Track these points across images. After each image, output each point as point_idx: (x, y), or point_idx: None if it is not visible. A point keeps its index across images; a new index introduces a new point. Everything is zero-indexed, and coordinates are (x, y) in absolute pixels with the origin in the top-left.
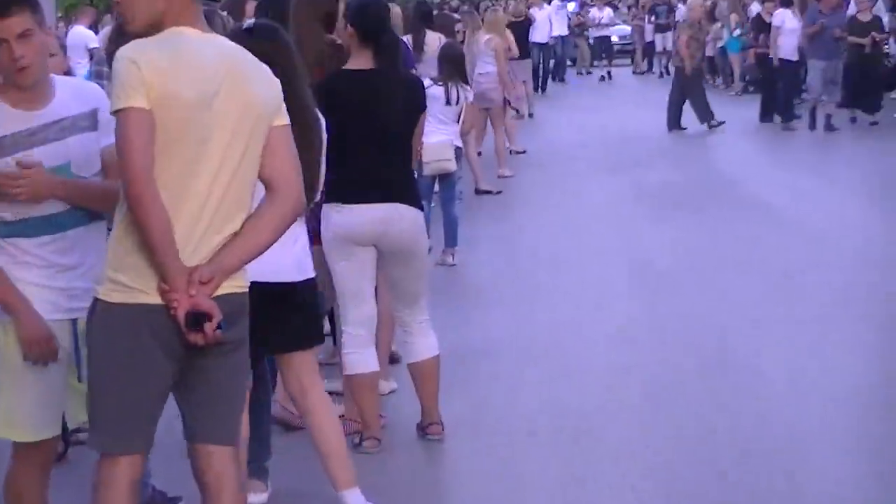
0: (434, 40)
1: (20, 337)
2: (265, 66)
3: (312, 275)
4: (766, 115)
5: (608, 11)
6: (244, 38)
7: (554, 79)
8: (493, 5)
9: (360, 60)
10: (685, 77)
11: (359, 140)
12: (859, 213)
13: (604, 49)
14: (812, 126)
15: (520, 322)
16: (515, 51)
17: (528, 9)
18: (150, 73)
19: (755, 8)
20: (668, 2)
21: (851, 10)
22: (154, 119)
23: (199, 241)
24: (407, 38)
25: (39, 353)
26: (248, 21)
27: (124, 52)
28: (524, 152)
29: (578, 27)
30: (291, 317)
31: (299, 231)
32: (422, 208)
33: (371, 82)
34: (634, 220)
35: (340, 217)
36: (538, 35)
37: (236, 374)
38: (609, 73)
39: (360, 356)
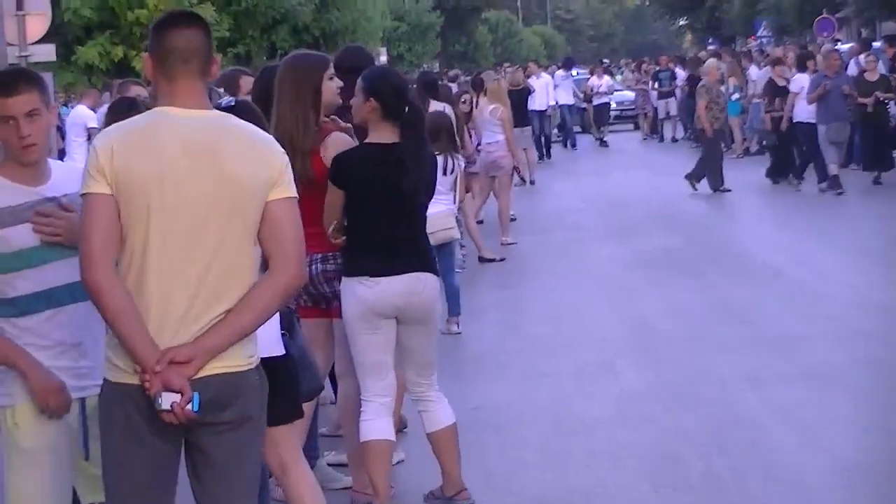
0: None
1: (32, 390)
2: (262, 142)
3: (287, 350)
4: (777, 176)
5: (606, 79)
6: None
7: (565, 145)
8: (495, 75)
9: (384, 133)
10: (707, 141)
11: (384, 212)
12: (860, 275)
13: (602, 116)
14: (834, 187)
15: (524, 391)
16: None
17: (527, 77)
18: (108, 158)
19: (753, 71)
20: (670, 68)
21: (851, 69)
22: (114, 203)
23: (180, 320)
24: None
25: (56, 405)
26: (227, 99)
27: (96, 138)
28: (514, 219)
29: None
30: (272, 392)
31: None
32: (438, 274)
33: (398, 156)
34: (635, 286)
35: (369, 291)
36: (537, 103)
37: (237, 455)
38: (604, 140)
39: (379, 424)
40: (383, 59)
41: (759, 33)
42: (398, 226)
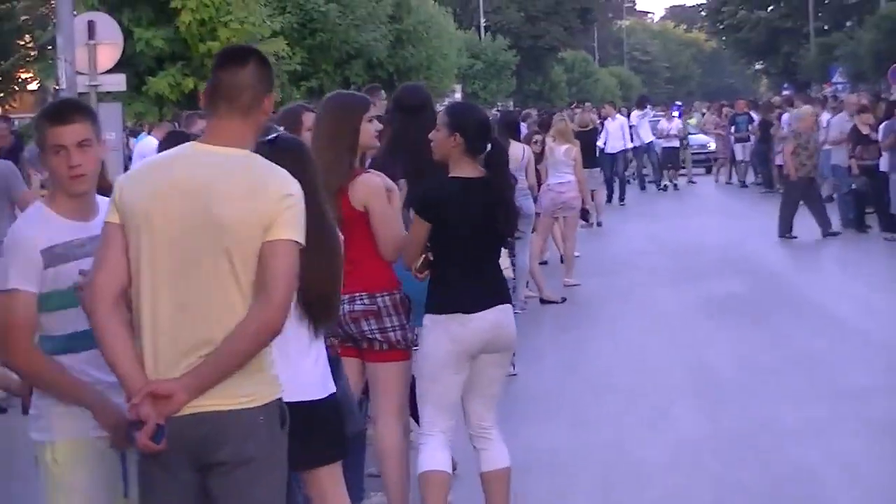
0: (518, 150)
1: (103, 425)
2: (263, 184)
3: (334, 390)
4: (861, 225)
5: (676, 122)
6: (265, 149)
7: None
8: (561, 115)
9: (466, 169)
10: (790, 185)
11: (472, 247)
12: None
13: (671, 159)
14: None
15: (578, 435)
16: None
17: (602, 119)
18: (119, 190)
19: (825, 117)
20: (747, 112)
21: None
22: (123, 235)
23: (172, 355)
24: None
25: (123, 437)
26: (273, 134)
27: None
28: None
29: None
30: (314, 433)
31: (317, 349)
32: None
33: (485, 190)
34: (699, 331)
35: (463, 329)
36: (611, 145)
37: (239, 497)
38: (675, 184)
39: (441, 455)
40: (458, 95)
41: (834, 79)
42: (486, 259)
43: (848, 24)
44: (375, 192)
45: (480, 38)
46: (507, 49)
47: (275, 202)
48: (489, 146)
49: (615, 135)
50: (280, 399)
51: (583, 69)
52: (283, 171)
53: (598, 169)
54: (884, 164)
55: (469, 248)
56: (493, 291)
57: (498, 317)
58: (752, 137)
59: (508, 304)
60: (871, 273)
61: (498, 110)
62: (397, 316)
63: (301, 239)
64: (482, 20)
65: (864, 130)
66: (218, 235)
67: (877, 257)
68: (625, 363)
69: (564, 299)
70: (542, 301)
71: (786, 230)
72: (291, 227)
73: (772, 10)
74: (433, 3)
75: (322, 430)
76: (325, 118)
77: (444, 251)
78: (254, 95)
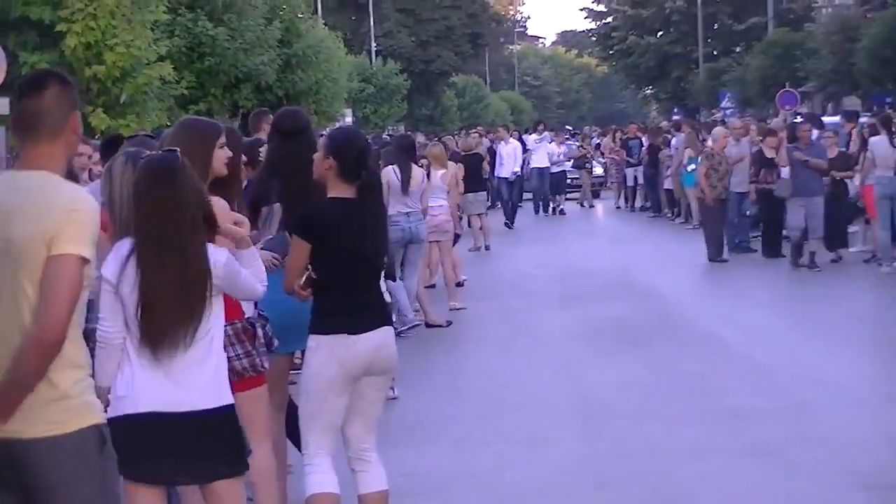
0: (418, 174)
1: None
2: (49, 200)
3: (231, 401)
4: (770, 252)
5: (564, 147)
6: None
7: (537, 210)
8: (438, 140)
9: (340, 190)
10: (707, 209)
11: (354, 268)
12: (811, 351)
13: (558, 184)
14: (796, 263)
15: (459, 459)
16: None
17: (494, 143)
18: None
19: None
20: (638, 136)
21: None
22: None
23: None
24: (394, 169)
25: None
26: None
27: None
28: (462, 284)
29: (580, 159)
30: (207, 446)
31: (208, 353)
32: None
33: (360, 211)
34: (581, 355)
35: (348, 350)
36: (504, 170)
37: None
38: (562, 209)
39: (330, 478)
40: (349, 119)
41: (722, 104)
42: (368, 280)
43: (736, 49)
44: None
45: (371, 62)
46: (399, 73)
47: (59, 218)
48: (363, 174)
49: (509, 159)
50: (98, 424)
51: (474, 94)
52: (75, 188)
53: (485, 193)
54: (783, 190)
55: (351, 268)
56: (377, 313)
57: (383, 338)
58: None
59: (391, 327)
60: (755, 297)
61: (389, 135)
62: (241, 345)
63: (88, 254)
64: (373, 44)
65: (770, 154)
66: (14, 259)
67: (761, 281)
68: (507, 387)
69: (450, 322)
70: (428, 325)
71: (716, 254)
72: (74, 241)
73: (661, 35)
74: (324, 28)
75: (216, 443)
76: (177, 144)
77: (326, 272)
78: (57, 117)
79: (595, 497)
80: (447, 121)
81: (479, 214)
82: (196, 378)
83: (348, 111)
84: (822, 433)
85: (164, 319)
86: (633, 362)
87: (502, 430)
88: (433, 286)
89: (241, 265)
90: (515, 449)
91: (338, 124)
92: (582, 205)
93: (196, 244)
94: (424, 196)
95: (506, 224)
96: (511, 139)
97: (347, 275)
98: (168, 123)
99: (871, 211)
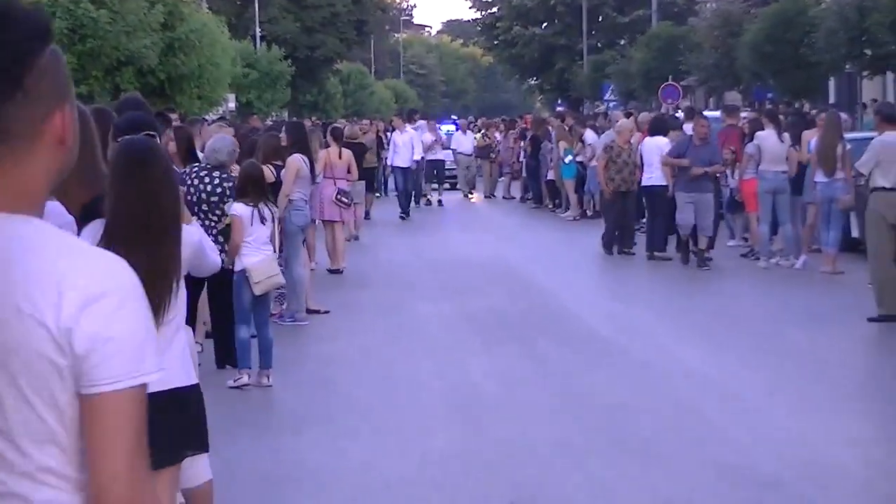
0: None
1: None
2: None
3: (197, 381)
4: (656, 248)
5: (433, 135)
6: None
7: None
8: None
9: None
10: (604, 200)
11: None
12: (688, 348)
13: (437, 174)
14: (685, 261)
15: (331, 449)
16: (355, 173)
17: (390, 132)
18: None
19: (589, 135)
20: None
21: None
22: None
23: None
24: (301, 157)
25: None
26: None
27: None
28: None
29: (485, 149)
30: (179, 423)
31: (176, 334)
32: None
33: None
34: (457, 346)
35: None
36: (400, 159)
37: None
38: (440, 200)
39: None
40: (231, 105)
41: (605, 97)
42: None
43: (620, 42)
44: None
45: (256, 47)
46: (283, 59)
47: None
48: None
49: (405, 148)
50: None
51: (359, 81)
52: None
53: (363, 182)
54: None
55: None
56: None
57: None
58: (524, 153)
59: None
60: (635, 292)
61: (272, 121)
62: None
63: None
64: (258, 30)
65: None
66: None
67: (643, 277)
68: (383, 378)
69: (328, 311)
70: (308, 311)
71: (628, 244)
72: None
73: (546, 27)
74: (207, 12)
75: (186, 420)
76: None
77: None
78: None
79: (466, 489)
80: (331, 108)
81: (355, 203)
82: (166, 359)
83: (231, 96)
84: (694, 429)
85: None
86: (509, 354)
87: (375, 421)
88: (312, 270)
89: None
90: (388, 440)
91: (221, 110)
92: (488, 196)
93: (175, 229)
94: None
95: (401, 215)
96: (407, 128)
97: None
98: None
99: (750, 205)
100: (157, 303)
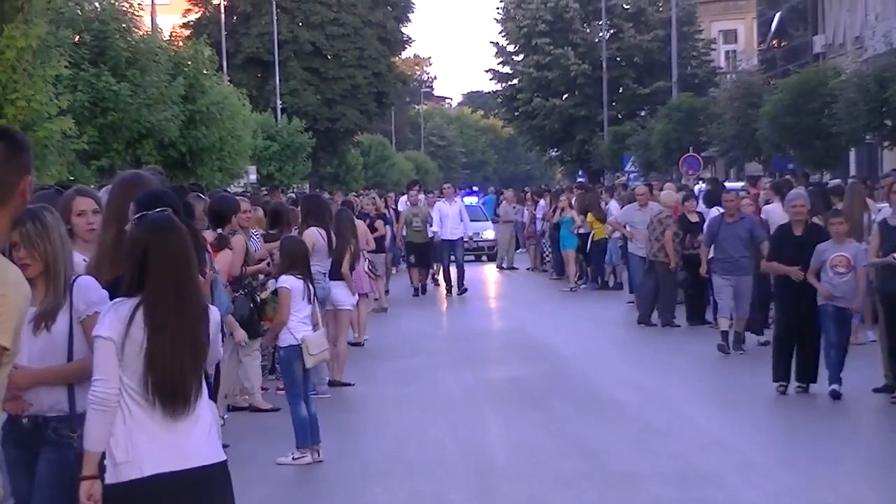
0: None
1: None
2: None
3: (225, 457)
4: (694, 318)
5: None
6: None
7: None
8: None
9: None
10: (666, 272)
11: None
12: (707, 416)
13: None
14: (725, 351)
15: None
16: (371, 244)
17: (443, 200)
18: None
19: (613, 206)
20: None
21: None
22: None
23: None
24: (318, 231)
25: None
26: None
27: None
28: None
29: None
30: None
31: (204, 409)
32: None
33: None
34: (476, 415)
35: None
36: (448, 230)
37: None
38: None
39: None
40: (252, 177)
41: (626, 168)
42: None
43: (641, 113)
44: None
45: (277, 119)
46: (303, 131)
47: None
48: None
49: (453, 219)
50: None
51: (379, 153)
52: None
53: (384, 254)
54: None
55: None
56: None
57: None
58: (538, 223)
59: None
60: (656, 362)
61: (293, 192)
62: None
63: (6, 341)
64: (279, 102)
65: (693, 219)
66: None
67: (664, 347)
68: (403, 447)
69: (353, 384)
70: (333, 383)
71: (670, 318)
72: None
73: (566, 98)
74: (228, 85)
75: (215, 499)
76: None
77: None
78: (4, 182)
79: None
80: (352, 179)
81: (377, 275)
82: (196, 434)
83: (252, 168)
84: (711, 496)
85: (181, 375)
86: (528, 423)
87: (396, 491)
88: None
89: None
90: None
91: (242, 181)
92: (508, 267)
93: (202, 299)
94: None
95: (448, 290)
96: (457, 199)
97: None
98: (70, 178)
99: None
100: (198, 369)
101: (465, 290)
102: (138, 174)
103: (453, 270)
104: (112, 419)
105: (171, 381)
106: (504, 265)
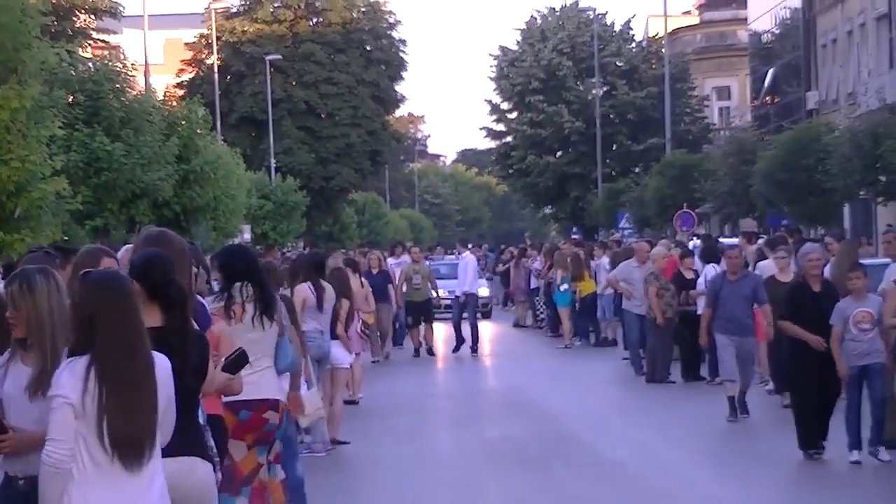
0: (330, 291)
1: None
2: None
3: None
4: (688, 375)
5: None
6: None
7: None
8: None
9: (150, 318)
10: (660, 329)
11: None
12: (703, 473)
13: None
14: (734, 418)
15: None
16: (372, 304)
17: (460, 254)
18: None
19: (604, 262)
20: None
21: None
22: None
23: None
24: (309, 286)
25: None
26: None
27: None
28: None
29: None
30: None
31: (155, 472)
32: (210, 460)
33: (162, 340)
34: (472, 474)
35: None
36: (463, 283)
37: None
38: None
39: None
40: (247, 236)
41: (620, 225)
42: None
43: (635, 170)
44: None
45: (271, 178)
46: (298, 190)
47: None
48: (172, 292)
49: (462, 274)
50: None
51: (374, 211)
52: None
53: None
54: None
55: None
56: (178, 441)
57: (177, 467)
58: (533, 280)
59: (199, 458)
60: (655, 421)
61: (287, 252)
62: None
63: None
64: (273, 161)
65: (689, 276)
66: None
67: (662, 405)
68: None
69: (349, 442)
70: (333, 442)
71: (664, 375)
72: None
73: (560, 155)
74: (222, 144)
75: None
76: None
77: None
78: None
79: None
80: (346, 238)
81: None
82: (153, 493)
83: (247, 227)
84: None
85: (136, 426)
86: (524, 483)
87: None
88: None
89: None
90: None
91: (236, 240)
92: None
93: (150, 355)
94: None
95: (457, 347)
96: (467, 253)
97: None
98: (64, 238)
99: (758, 334)
100: (153, 425)
101: (477, 351)
102: (164, 232)
103: (466, 328)
104: (65, 481)
105: (128, 432)
106: None
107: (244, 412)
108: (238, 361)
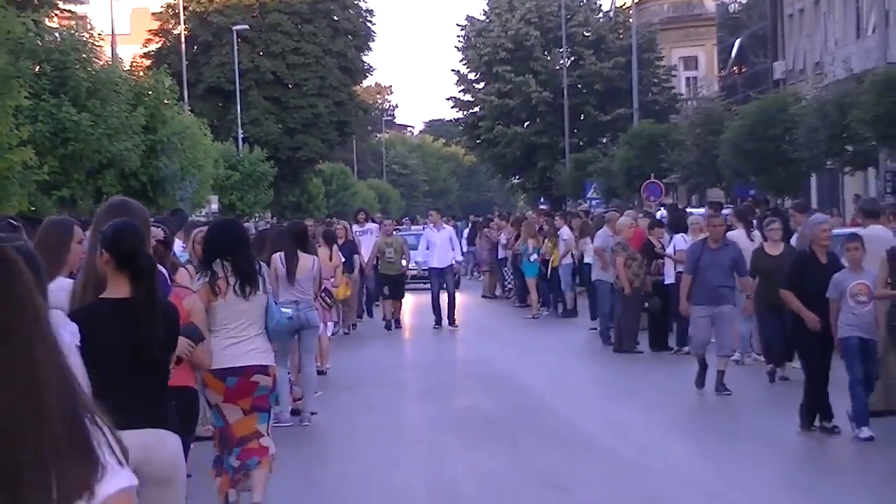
0: (308, 261)
1: None
2: None
3: None
4: (656, 345)
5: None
6: None
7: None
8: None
9: (117, 288)
10: (627, 299)
11: (121, 366)
12: (675, 446)
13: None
14: (701, 384)
15: None
16: (339, 277)
17: (429, 227)
18: None
19: (565, 232)
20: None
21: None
22: None
23: None
24: (280, 257)
25: None
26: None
27: None
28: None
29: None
30: None
31: None
32: (178, 433)
33: (129, 311)
34: (441, 447)
35: None
36: (437, 259)
37: None
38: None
39: None
40: (214, 207)
41: (588, 195)
42: (139, 379)
43: (602, 140)
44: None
45: (238, 149)
46: (265, 160)
47: None
48: (141, 263)
49: (443, 247)
50: None
51: (341, 181)
52: None
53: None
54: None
55: (118, 366)
56: (144, 412)
57: (144, 440)
58: (500, 250)
59: (165, 430)
60: (623, 391)
61: (257, 222)
62: None
63: None
64: (240, 132)
65: (658, 246)
66: None
67: (630, 375)
68: (368, 480)
69: (315, 413)
70: (295, 412)
71: (632, 345)
72: None
73: (528, 126)
74: (190, 115)
75: None
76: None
77: (94, 370)
78: None
79: None
80: (314, 208)
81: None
82: None
83: (214, 198)
84: None
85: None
86: (493, 455)
87: None
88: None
89: None
90: None
91: (204, 212)
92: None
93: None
94: (316, 282)
95: (435, 324)
96: (446, 226)
97: (114, 372)
98: (31, 208)
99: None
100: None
101: (456, 325)
102: (126, 201)
103: (443, 301)
104: None
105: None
106: None
107: (230, 378)
108: (188, 335)
